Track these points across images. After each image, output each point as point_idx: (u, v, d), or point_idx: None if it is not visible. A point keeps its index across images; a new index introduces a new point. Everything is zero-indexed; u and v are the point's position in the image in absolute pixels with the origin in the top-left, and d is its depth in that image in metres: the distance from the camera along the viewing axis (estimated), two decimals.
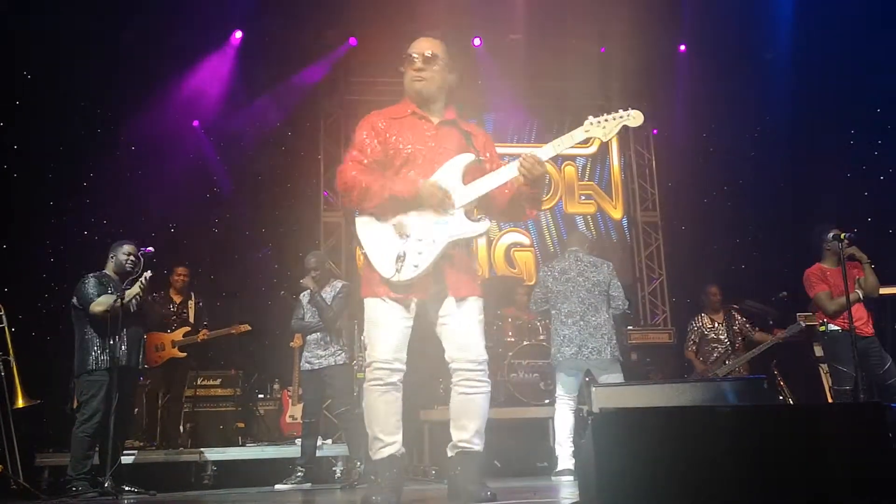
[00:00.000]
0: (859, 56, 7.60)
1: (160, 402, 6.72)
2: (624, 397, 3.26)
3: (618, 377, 5.27)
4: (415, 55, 3.09)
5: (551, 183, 9.36)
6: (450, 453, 3.04)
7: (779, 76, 8.11)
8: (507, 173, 2.99)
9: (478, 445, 3.00)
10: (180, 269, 6.98)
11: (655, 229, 9.51)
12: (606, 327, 5.26)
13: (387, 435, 2.94)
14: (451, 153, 3.05)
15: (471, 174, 3.03)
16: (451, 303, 3.01)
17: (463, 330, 3.00)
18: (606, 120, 2.99)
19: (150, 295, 5.68)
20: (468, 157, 3.04)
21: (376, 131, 3.08)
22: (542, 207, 9.27)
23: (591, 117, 3.00)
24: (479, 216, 3.08)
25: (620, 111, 3.00)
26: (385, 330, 2.95)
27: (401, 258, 2.89)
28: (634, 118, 2.99)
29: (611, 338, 5.25)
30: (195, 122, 8.64)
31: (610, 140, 9.50)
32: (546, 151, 2.98)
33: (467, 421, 2.99)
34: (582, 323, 5.23)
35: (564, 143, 2.99)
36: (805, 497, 1.96)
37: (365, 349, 3.10)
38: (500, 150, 3.32)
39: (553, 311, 5.39)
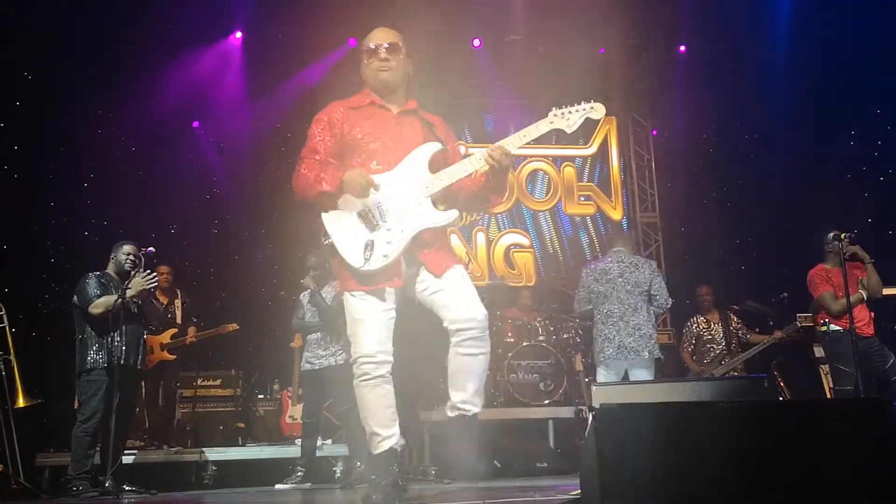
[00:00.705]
0: (859, 56, 7.61)
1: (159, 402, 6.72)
2: (623, 396, 3.25)
3: (648, 377, 5.34)
4: (376, 46, 3.09)
5: (551, 183, 9.37)
6: (450, 413, 3.02)
7: (779, 76, 8.11)
8: (475, 163, 2.98)
9: (477, 406, 3.00)
10: (163, 268, 6.81)
11: (655, 230, 9.50)
12: (646, 327, 5.36)
13: (383, 428, 2.94)
14: (413, 143, 3.04)
15: (436, 163, 3.02)
16: (433, 277, 2.98)
17: (461, 292, 2.96)
18: (570, 112, 2.99)
19: (149, 296, 5.67)
20: (434, 146, 3.03)
21: (331, 123, 3.08)
22: (543, 208, 9.30)
23: (554, 109, 3.00)
24: (442, 207, 3.04)
25: (583, 103, 2.99)
26: (366, 324, 2.94)
27: (369, 247, 2.89)
28: (597, 110, 2.99)
29: (650, 337, 5.36)
30: (195, 123, 8.65)
31: (609, 140, 9.67)
32: (513, 142, 2.97)
33: (467, 381, 2.97)
34: (621, 323, 5.35)
35: (531, 134, 2.99)
36: (805, 493, 1.96)
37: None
38: None
39: (595, 312, 5.52)
